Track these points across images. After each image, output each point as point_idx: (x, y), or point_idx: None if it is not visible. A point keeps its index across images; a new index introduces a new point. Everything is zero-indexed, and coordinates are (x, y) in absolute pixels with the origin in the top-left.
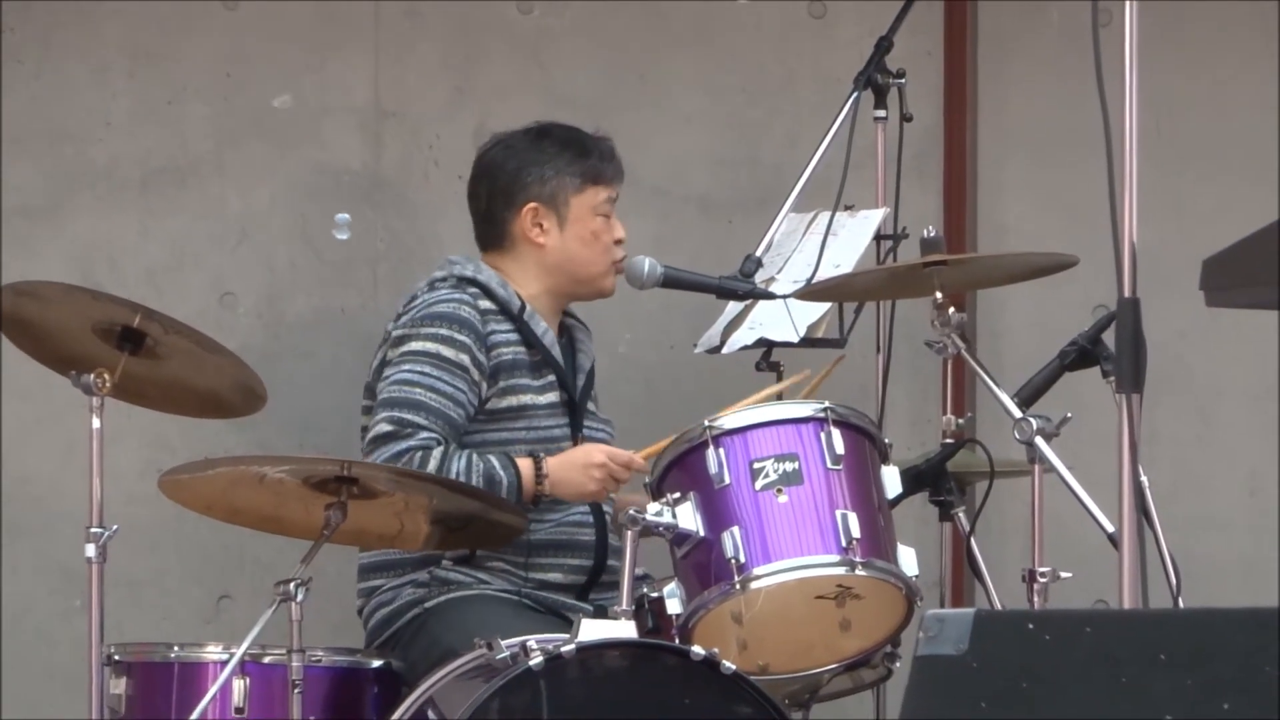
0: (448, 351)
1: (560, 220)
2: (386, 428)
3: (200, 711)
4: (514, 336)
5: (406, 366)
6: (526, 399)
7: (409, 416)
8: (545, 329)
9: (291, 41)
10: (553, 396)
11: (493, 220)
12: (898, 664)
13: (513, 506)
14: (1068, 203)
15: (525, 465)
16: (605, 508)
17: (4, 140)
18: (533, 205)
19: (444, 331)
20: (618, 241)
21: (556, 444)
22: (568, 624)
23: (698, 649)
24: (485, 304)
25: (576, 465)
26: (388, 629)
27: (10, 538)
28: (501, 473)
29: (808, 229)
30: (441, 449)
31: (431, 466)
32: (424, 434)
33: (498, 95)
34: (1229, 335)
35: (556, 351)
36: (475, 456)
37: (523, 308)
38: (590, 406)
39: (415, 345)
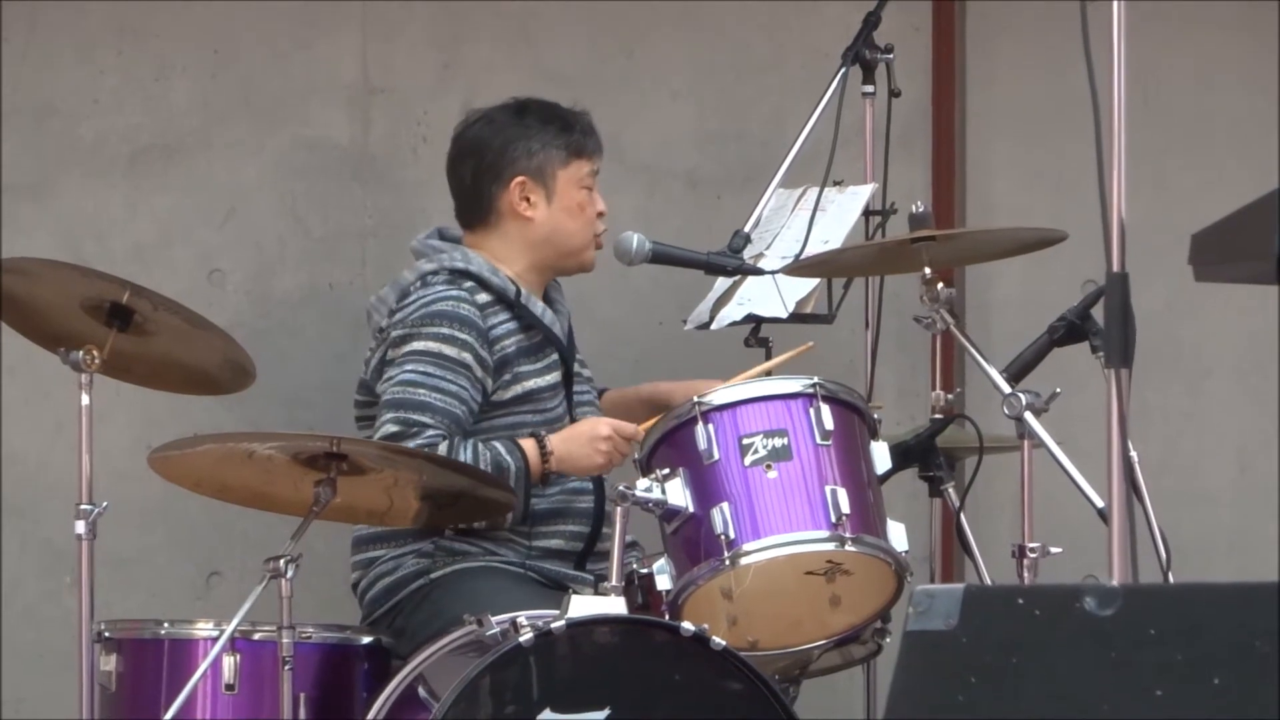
0: (450, 350)
1: (548, 194)
2: (393, 428)
3: (191, 688)
4: (513, 325)
5: (410, 366)
6: (530, 384)
7: (415, 416)
8: (543, 309)
9: (279, 18)
10: (554, 376)
11: (479, 196)
12: (887, 639)
13: (501, 483)
14: (1056, 178)
15: (530, 447)
16: (604, 475)
17: None
18: (521, 179)
19: (446, 330)
20: (599, 215)
21: (560, 422)
22: None
23: (687, 625)
24: (483, 297)
25: (582, 439)
26: (390, 599)
27: None
28: (508, 458)
29: (796, 204)
30: (447, 443)
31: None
32: (430, 432)
33: (485, 72)
34: (1217, 310)
35: (557, 328)
36: (481, 446)
37: (518, 292)
38: (576, 368)
39: (417, 345)
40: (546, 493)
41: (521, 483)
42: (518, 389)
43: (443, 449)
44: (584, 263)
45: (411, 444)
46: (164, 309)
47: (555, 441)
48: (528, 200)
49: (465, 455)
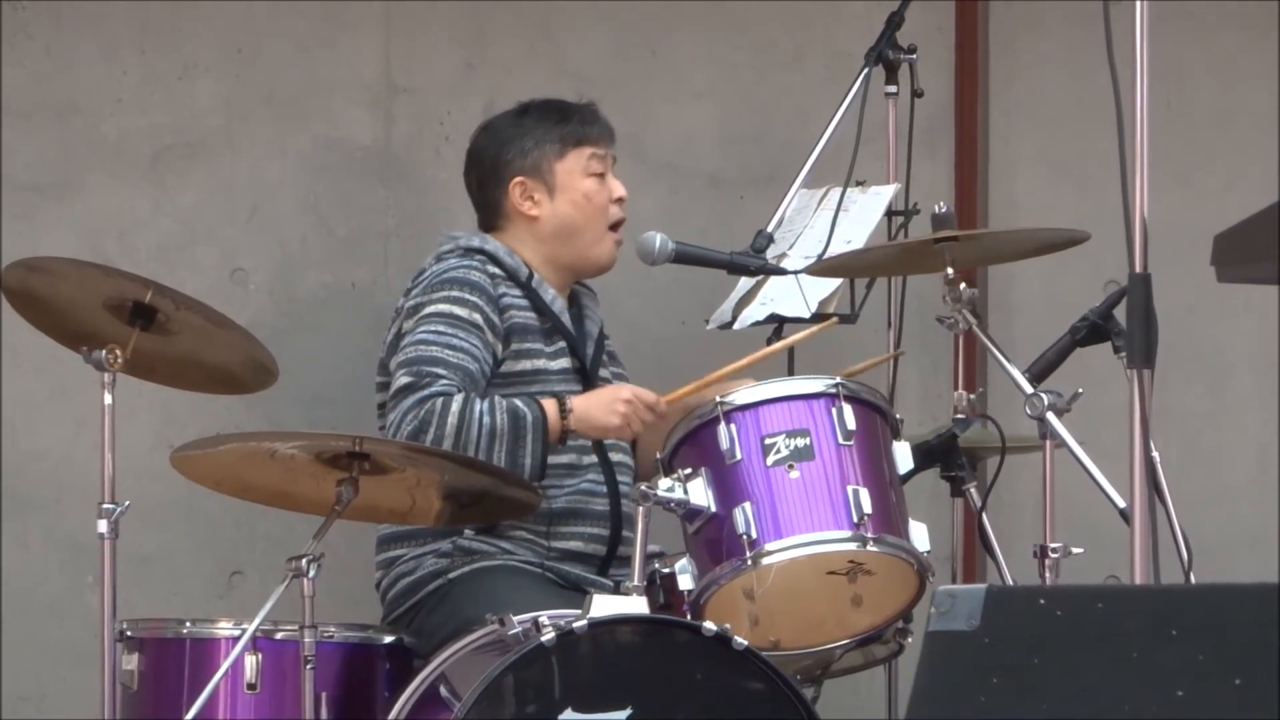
0: (461, 310)
1: (549, 189)
2: (406, 379)
3: (212, 687)
4: (524, 302)
5: (422, 329)
6: (540, 363)
7: (427, 369)
8: (554, 295)
9: (302, 17)
10: (565, 362)
11: (486, 203)
12: (909, 640)
13: (524, 482)
14: (1079, 177)
15: (549, 403)
16: (620, 479)
17: (15, 115)
18: (519, 179)
19: (455, 293)
20: (617, 201)
21: None
22: None
23: (709, 625)
24: (493, 269)
25: (602, 399)
26: (409, 599)
27: (21, 514)
28: (525, 409)
29: (819, 204)
30: (462, 395)
31: (454, 408)
32: (443, 382)
33: (508, 70)
34: (1239, 310)
35: (566, 318)
36: (498, 398)
37: (530, 275)
38: (604, 373)
39: (429, 309)
40: (561, 490)
41: (539, 433)
42: (527, 364)
43: (458, 398)
44: (599, 257)
45: (425, 392)
46: (186, 308)
47: (576, 400)
48: (531, 199)
49: (481, 406)
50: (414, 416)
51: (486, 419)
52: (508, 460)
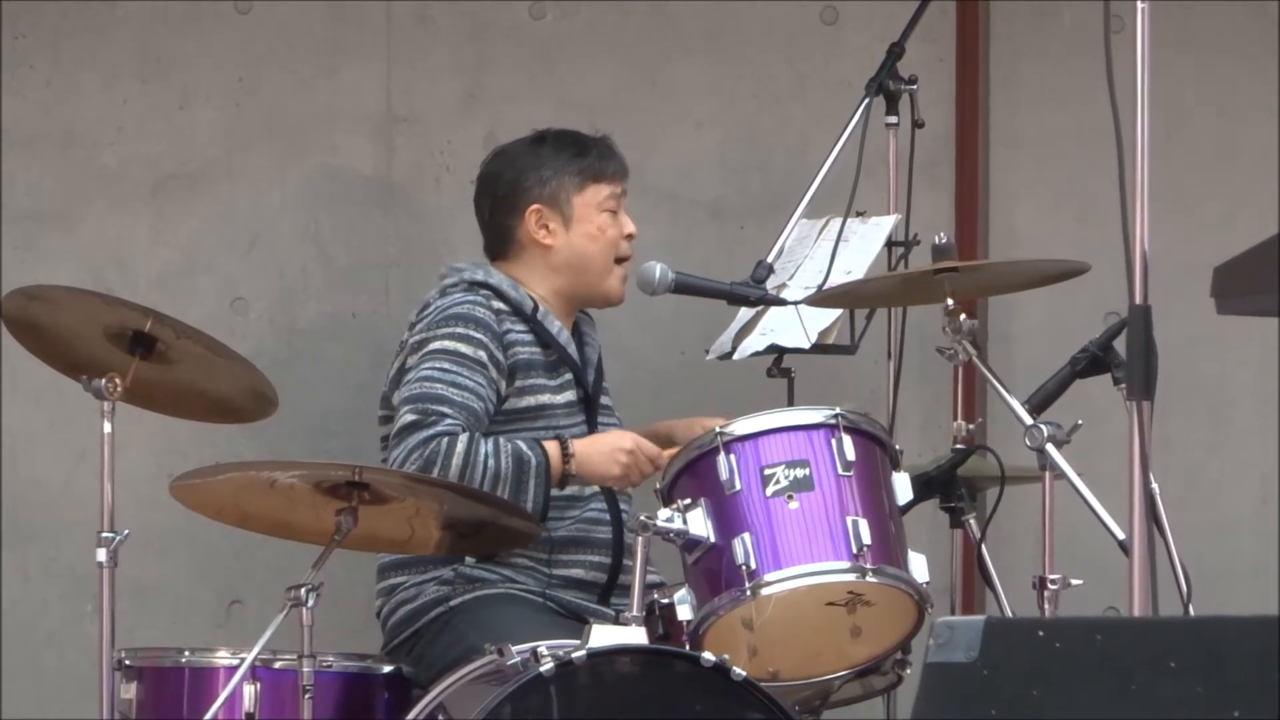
0: (465, 348)
1: (565, 220)
2: (411, 417)
3: (211, 716)
4: (528, 337)
5: (426, 365)
6: (545, 398)
7: (433, 407)
8: (560, 328)
9: (303, 46)
10: (570, 395)
11: (498, 229)
12: (908, 671)
13: (524, 512)
14: (1079, 209)
15: (552, 446)
16: (622, 506)
17: (16, 145)
18: (536, 207)
19: (460, 330)
20: (628, 237)
21: None
22: None
23: (708, 655)
24: (498, 304)
25: (605, 447)
26: (410, 626)
27: (21, 542)
28: (529, 452)
29: (819, 235)
30: (467, 435)
31: (459, 449)
32: (449, 421)
33: (509, 100)
34: (1240, 341)
35: (573, 349)
36: (502, 439)
37: (535, 308)
38: (604, 400)
39: (434, 345)
40: (564, 520)
41: (542, 477)
42: (531, 400)
43: (463, 438)
44: (608, 290)
45: (430, 431)
46: (186, 337)
47: (578, 445)
48: (546, 228)
49: (487, 446)
50: (419, 455)
51: (491, 461)
52: (510, 502)
